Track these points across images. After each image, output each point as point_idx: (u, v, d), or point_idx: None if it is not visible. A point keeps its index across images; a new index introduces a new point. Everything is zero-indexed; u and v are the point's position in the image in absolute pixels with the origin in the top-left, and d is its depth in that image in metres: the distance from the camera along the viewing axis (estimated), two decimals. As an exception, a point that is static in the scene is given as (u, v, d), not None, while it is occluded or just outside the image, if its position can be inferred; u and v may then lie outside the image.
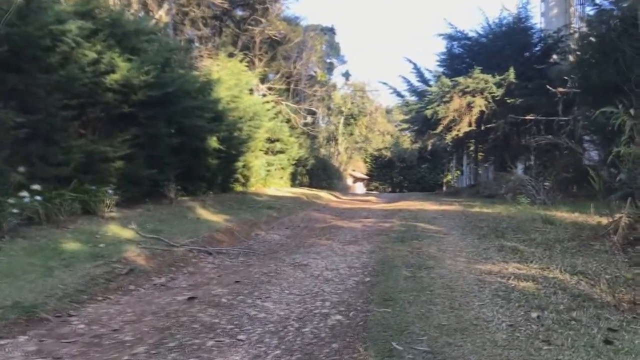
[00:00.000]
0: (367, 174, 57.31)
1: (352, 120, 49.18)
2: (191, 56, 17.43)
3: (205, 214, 11.44)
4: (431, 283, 5.13)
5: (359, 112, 49.51)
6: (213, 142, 13.75)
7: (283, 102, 23.11)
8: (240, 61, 17.63)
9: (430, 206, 14.92)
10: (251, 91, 20.43)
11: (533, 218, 10.17)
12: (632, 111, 7.02)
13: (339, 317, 4.22)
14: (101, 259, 6.28)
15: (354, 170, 54.53)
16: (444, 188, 37.64)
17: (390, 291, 4.89)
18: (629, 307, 4.10)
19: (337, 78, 51.15)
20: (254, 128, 17.08)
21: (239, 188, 17.58)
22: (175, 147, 11.93)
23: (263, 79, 24.32)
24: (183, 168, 12.89)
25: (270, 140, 21.86)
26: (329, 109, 45.46)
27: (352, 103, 48.33)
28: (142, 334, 3.92)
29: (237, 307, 4.59)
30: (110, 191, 9.41)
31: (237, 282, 5.65)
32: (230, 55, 18.24)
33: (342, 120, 47.41)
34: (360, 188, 53.37)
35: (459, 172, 43.87)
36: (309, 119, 35.35)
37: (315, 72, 33.08)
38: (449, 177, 48.08)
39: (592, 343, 3.34)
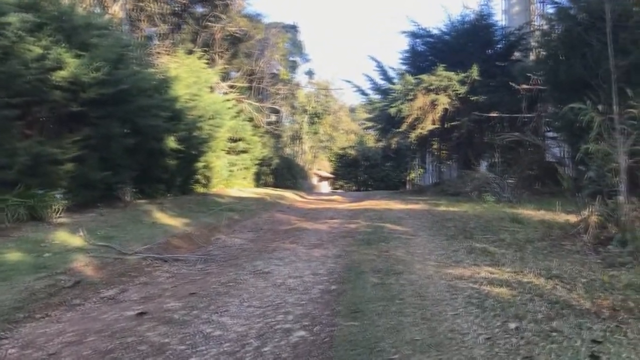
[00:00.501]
0: (332, 173, 57.13)
1: (316, 119, 48.96)
2: (148, 53, 16.75)
3: (162, 217, 10.91)
4: (401, 291, 4.82)
5: (323, 111, 49.31)
6: (171, 142, 13.20)
7: (245, 101, 22.56)
8: (200, 58, 17.05)
9: (395, 205, 14.70)
10: (212, 89, 19.85)
11: (500, 217, 10.03)
12: (600, 107, 6.88)
13: (302, 332, 3.85)
14: (44, 270, 5.77)
15: (319, 170, 54.30)
16: (408, 186, 37.70)
17: (358, 301, 4.56)
18: (610, 314, 3.86)
19: (300, 76, 50.80)
20: (214, 127, 16.54)
21: (200, 189, 17.04)
22: (130, 147, 11.37)
23: (224, 77, 23.73)
24: (139, 170, 12.36)
25: (233, 140, 21.30)
26: (293, 107, 45.06)
27: (316, 102, 48.10)
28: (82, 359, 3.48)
29: (191, 323, 4.18)
30: (58, 195, 8.85)
31: (192, 294, 5.22)
32: (190, 52, 17.63)
33: (306, 119, 47.12)
34: (325, 187, 53.17)
35: (422, 170, 44.08)
36: (273, 117, 34.89)
37: (278, 70, 32.58)
38: (413, 175, 48.27)
39: (578, 358, 3.07)
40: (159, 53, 17.66)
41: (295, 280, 5.58)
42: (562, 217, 9.83)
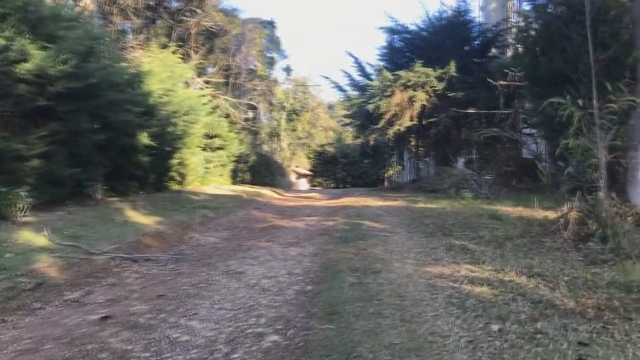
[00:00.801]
0: (310, 170, 56.93)
1: (294, 116, 48.70)
2: (120, 47, 16.28)
3: (134, 216, 10.58)
4: (379, 291, 4.63)
5: (301, 108, 49.06)
6: (144, 138, 12.85)
7: (221, 96, 22.15)
8: (174, 53, 16.65)
9: (374, 202, 14.55)
10: (187, 84, 19.46)
11: (479, 213, 9.94)
12: (580, 101, 6.79)
13: (275, 337, 3.63)
14: (3, 272, 5.45)
15: (297, 167, 54.11)
16: (386, 183, 37.71)
17: (335, 302, 4.36)
18: (595, 314, 3.72)
19: (278, 73, 50.40)
20: (189, 123, 16.19)
21: (174, 187, 16.68)
22: (101, 143, 11.01)
23: (200, 73, 23.31)
24: (111, 166, 12.03)
25: (209, 136, 20.92)
26: (270, 104, 44.74)
27: (294, 98, 47.83)
28: (35, 370, 3.23)
29: (157, 328, 3.93)
30: (23, 193, 8.47)
31: (161, 296, 4.97)
32: (164, 46, 17.21)
33: (284, 116, 46.84)
34: (303, 184, 52.96)
35: (400, 167, 44.14)
36: (250, 114, 34.52)
37: (255, 66, 32.18)
38: (391, 172, 48.35)
39: (565, 362, 2.92)
40: (132, 47, 17.17)
41: (270, 281, 5.36)
42: (540, 213, 9.77)
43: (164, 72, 15.62)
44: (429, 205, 12.25)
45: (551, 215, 9.34)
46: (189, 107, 15.97)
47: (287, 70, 45.93)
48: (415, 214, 10.53)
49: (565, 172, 7.28)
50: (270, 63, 39.74)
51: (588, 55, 6.64)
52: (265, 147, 43.29)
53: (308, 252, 6.89)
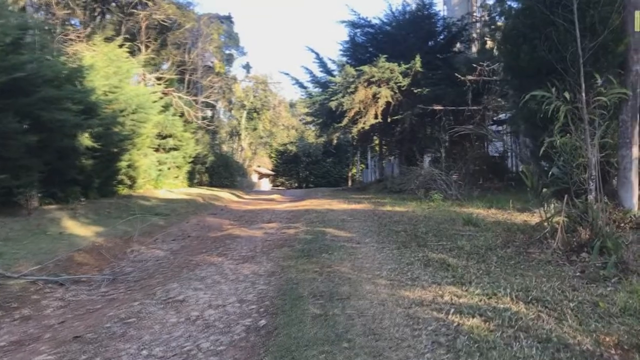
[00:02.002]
0: (272, 170, 55.94)
1: (255, 115, 47.58)
2: (60, 39, 14.88)
3: (72, 226, 9.46)
4: (348, 326, 3.74)
5: (262, 106, 47.94)
6: (85, 140, 11.67)
7: (175, 94, 20.87)
8: (120, 46, 15.36)
9: (338, 205, 13.70)
10: (137, 81, 18.18)
11: (452, 218, 9.20)
12: (567, 94, 6.06)
13: (213, 407, 2.71)
14: None
15: (259, 167, 53.01)
16: (350, 183, 36.97)
17: (294, 345, 3.46)
18: (620, 356, 2.94)
19: (237, 70, 49.37)
20: (138, 122, 14.97)
21: (124, 191, 15.45)
22: (34, 146, 9.77)
23: (154, 69, 21.99)
24: (48, 171, 10.79)
25: (162, 136, 19.67)
26: (230, 102, 43.55)
27: (255, 96, 46.70)
28: None
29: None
30: None
31: (77, 337, 3.97)
32: (110, 40, 15.88)
33: (244, 115, 45.66)
34: (266, 184, 51.95)
35: (364, 165, 43.59)
36: (209, 112, 33.27)
37: (212, 62, 30.93)
38: (354, 170, 47.82)
39: None
40: (73, 40, 15.77)
41: (216, 312, 4.42)
42: (516, 216, 9.11)
43: (110, 67, 14.37)
44: (397, 209, 11.47)
45: (529, 219, 8.69)
46: (137, 105, 14.75)
47: (247, 67, 44.73)
48: (384, 219, 9.71)
49: (550, 172, 6.55)
50: (229, 60, 38.54)
51: (575, 43, 5.94)
52: (225, 147, 42.05)
53: (264, 270, 5.95)
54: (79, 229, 9.27)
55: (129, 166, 15.19)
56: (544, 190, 6.67)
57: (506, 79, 7.63)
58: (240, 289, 5.18)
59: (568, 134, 6.25)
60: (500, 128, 18.18)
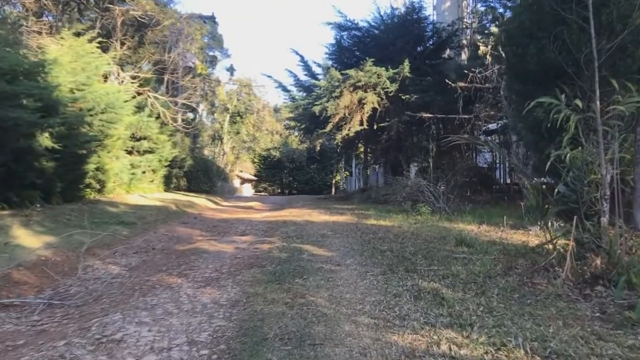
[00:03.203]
0: (255, 175, 55.01)
1: (238, 119, 46.70)
2: (20, 31, 13.80)
3: (22, 235, 8.49)
4: (320, 390, 2.89)
5: (246, 110, 47.07)
6: (45, 140, 10.69)
7: (150, 94, 19.85)
8: (90, 41, 14.36)
9: (319, 217, 12.84)
10: (106, 79, 17.16)
11: (442, 235, 8.40)
12: (579, 102, 5.30)
13: None
14: None
15: (241, 172, 52.04)
16: (333, 190, 36.13)
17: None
18: None
19: (221, 73, 48.46)
20: (108, 123, 14.00)
21: (93, 195, 14.46)
22: (-18, 146, 8.84)
23: (130, 67, 20.94)
24: (2, 174, 9.84)
25: (135, 138, 18.65)
26: (213, 105, 42.57)
27: (238, 100, 45.79)
28: None
29: None
30: None
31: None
32: (78, 34, 14.86)
33: (227, 118, 44.71)
34: (248, 189, 51.02)
35: (348, 173, 42.85)
36: (190, 115, 32.28)
37: (193, 63, 29.94)
38: (338, 177, 47.10)
39: None
40: (38, 33, 14.68)
41: (157, 359, 3.53)
42: (512, 236, 8.35)
43: (77, 62, 13.38)
44: (383, 223, 10.66)
45: (527, 239, 7.94)
46: (106, 104, 13.76)
47: (231, 70, 43.77)
48: (368, 235, 8.87)
49: (556, 190, 5.77)
50: (213, 62, 37.58)
51: (590, 44, 5.19)
52: (207, 151, 41.06)
53: (227, 299, 5.06)
54: (29, 238, 8.30)
55: (97, 169, 14.22)
56: (550, 209, 5.89)
57: (508, 83, 6.89)
58: (193, 324, 4.30)
59: (579, 147, 5.49)
60: (489, 138, 17.52)
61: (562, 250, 5.63)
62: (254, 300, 4.88)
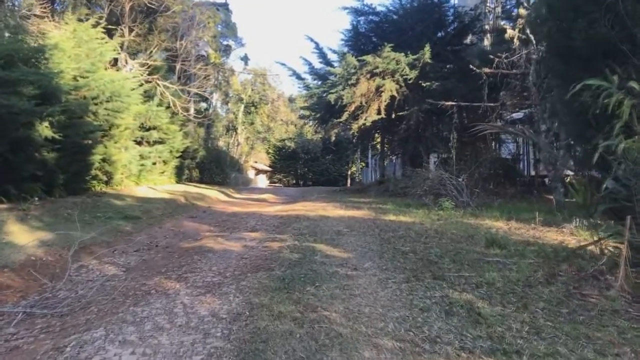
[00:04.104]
0: (270, 166, 54.46)
1: (252, 109, 46.03)
2: (20, 14, 13.19)
3: (17, 231, 7.95)
4: None
5: (260, 100, 46.38)
6: (45, 130, 10.13)
7: (160, 82, 19.23)
8: (95, 26, 13.73)
9: (334, 211, 12.13)
10: (116, 67, 16.55)
11: (469, 234, 7.65)
12: (634, 85, 4.54)
13: None
14: None
15: (256, 162, 51.53)
16: (349, 182, 35.35)
17: None
18: None
19: (235, 62, 47.78)
20: (113, 112, 13.41)
21: (100, 187, 13.94)
22: (-22, 137, 8.28)
23: (136, 54, 20.35)
24: (-1, 165, 9.33)
25: (145, 128, 18.08)
26: (227, 95, 41.96)
27: (253, 90, 45.09)
28: None
29: None
30: None
31: None
32: (82, 20, 14.22)
33: (242, 109, 44.07)
34: (263, 181, 50.54)
35: (364, 164, 42.05)
36: (203, 105, 31.71)
37: (206, 52, 29.29)
38: (354, 169, 46.38)
39: None
40: (39, 17, 14.05)
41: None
42: (547, 234, 7.58)
43: (81, 49, 12.78)
44: (402, 218, 9.94)
45: (563, 238, 7.17)
46: (111, 92, 13.16)
47: (245, 59, 43.01)
48: (387, 233, 8.15)
49: (604, 185, 5.02)
50: (226, 51, 36.93)
51: (650, 16, 4.44)
52: (222, 142, 40.55)
53: (227, 310, 4.40)
54: (22, 235, 7.73)
55: (104, 160, 13.67)
56: (598, 206, 5.15)
57: (548, 64, 6.10)
58: (186, 344, 3.65)
59: (633, 137, 4.73)
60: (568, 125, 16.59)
61: (612, 254, 4.90)
62: (258, 313, 4.21)
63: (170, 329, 3.99)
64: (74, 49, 12.40)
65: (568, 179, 6.62)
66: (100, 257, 7.26)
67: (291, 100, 53.55)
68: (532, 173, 19.50)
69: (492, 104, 12.97)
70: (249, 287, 5.11)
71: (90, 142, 12.47)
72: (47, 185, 11.05)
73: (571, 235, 7.37)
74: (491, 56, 12.09)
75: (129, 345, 3.68)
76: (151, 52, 20.59)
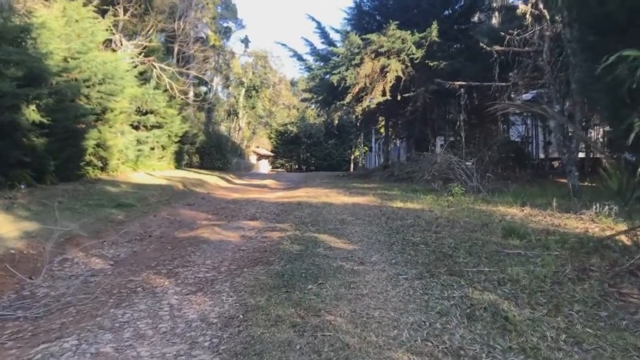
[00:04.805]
0: (272, 151, 53.89)
1: (254, 93, 45.37)
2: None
3: (0, 221, 7.44)
4: None
5: (262, 84, 45.68)
6: (32, 113, 9.59)
7: (156, 64, 18.60)
8: (86, 4, 13.11)
9: (338, 197, 11.61)
10: (107, 47, 15.94)
11: (484, 222, 7.13)
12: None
13: None
14: None
15: (257, 147, 50.97)
16: (352, 167, 34.79)
17: None
18: None
19: (235, 44, 47.06)
20: (107, 95, 12.84)
21: (95, 174, 13.42)
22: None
23: (131, 35, 19.70)
24: (-19, 152, 8.81)
25: (142, 112, 17.50)
26: (227, 79, 41.28)
27: (254, 73, 44.38)
28: None
29: None
30: None
31: None
32: (74, -1, 13.60)
33: (243, 92, 43.42)
34: (265, 166, 50.02)
35: (367, 148, 41.44)
36: (203, 88, 31.07)
37: (205, 34, 28.57)
38: (357, 153, 45.82)
39: None
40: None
41: None
42: (566, 222, 7.05)
43: (71, 28, 12.17)
44: (410, 205, 9.41)
45: (585, 225, 6.65)
46: (104, 75, 12.57)
47: (245, 41, 42.25)
48: (395, 222, 7.63)
49: (639, 170, 4.47)
50: (227, 33, 36.20)
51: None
52: (223, 127, 39.96)
53: (218, 314, 3.89)
54: (6, 226, 7.23)
55: (98, 145, 13.13)
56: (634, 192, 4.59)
57: (577, 35, 5.49)
58: (168, 357, 3.14)
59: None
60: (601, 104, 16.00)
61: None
62: (253, 317, 3.70)
63: (152, 337, 3.49)
64: (64, 28, 11.80)
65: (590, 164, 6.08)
66: (87, 249, 6.76)
67: (293, 83, 52.80)
68: (542, 156, 18.95)
69: (503, 84, 12.36)
70: (245, 285, 4.60)
71: (83, 126, 11.94)
72: (37, 171, 10.54)
73: (593, 223, 6.86)
74: (502, 33, 11.45)
75: (101, 358, 3.17)
76: (147, 32, 19.93)
